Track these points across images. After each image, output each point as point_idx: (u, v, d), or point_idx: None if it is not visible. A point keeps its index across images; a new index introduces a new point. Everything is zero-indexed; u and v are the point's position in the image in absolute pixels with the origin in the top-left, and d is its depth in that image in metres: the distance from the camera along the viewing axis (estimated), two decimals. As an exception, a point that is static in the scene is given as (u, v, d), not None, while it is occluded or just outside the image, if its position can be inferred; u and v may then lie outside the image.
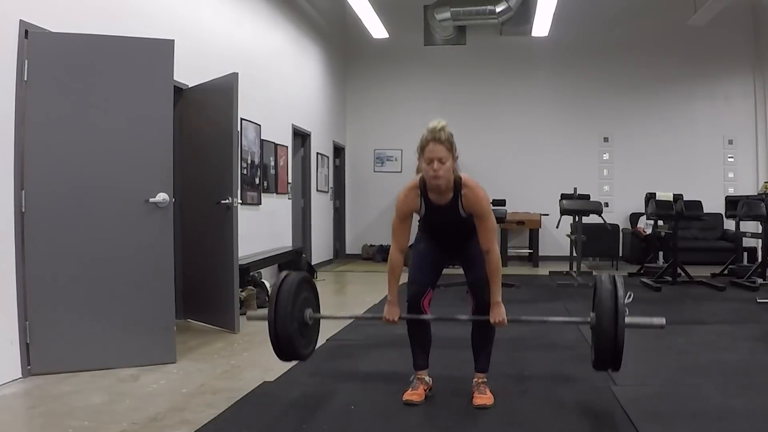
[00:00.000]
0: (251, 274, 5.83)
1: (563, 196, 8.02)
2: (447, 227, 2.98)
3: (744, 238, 8.30)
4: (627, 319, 2.66)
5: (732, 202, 7.77)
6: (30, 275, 3.40)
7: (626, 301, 2.73)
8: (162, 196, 3.70)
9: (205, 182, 4.82)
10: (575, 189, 8.31)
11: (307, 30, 8.80)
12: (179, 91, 4.88)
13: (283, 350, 2.93)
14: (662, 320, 2.80)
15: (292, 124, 8.11)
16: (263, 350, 4.10)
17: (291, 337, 2.89)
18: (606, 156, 10.42)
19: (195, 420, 2.74)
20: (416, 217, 3.01)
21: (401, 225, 2.93)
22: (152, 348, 3.68)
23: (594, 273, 8.41)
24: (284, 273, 3.05)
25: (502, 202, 7.69)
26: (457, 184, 2.84)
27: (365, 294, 6.32)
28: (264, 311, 2.93)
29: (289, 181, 7.94)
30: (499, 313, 2.87)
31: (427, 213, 2.93)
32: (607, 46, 10.24)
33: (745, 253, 8.94)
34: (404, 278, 2.99)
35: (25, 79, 3.40)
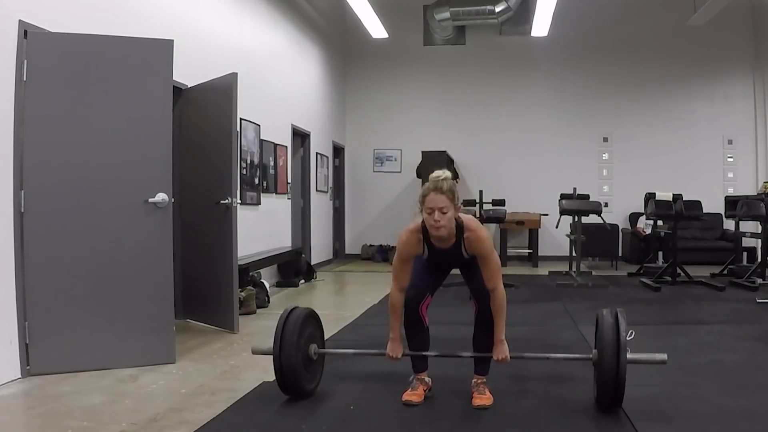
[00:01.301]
0: (250, 274, 5.83)
1: (563, 196, 8.02)
2: (451, 263, 3.03)
3: (743, 238, 8.31)
4: (629, 356, 2.71)
5: (731, 202, 7.78)
6: (29, 275, 3.40)
7: (628, 338, 2.74)
8: (161, 197, 3.69)
9: (205, 182, 4.82)
10: (575, 189, 8.31)
11: (306, 30, 8.80)
12: (179, 91, 4.88)
13: (287, 384, 2.95)
14: (664, 356, 2.83)
15: (292, 124, 8.11)
16: (263, 350, 4.10)
17: (295, 371, 2.91)
18: (605, 156, 10.42)
19: (194, 420, 2.74)
20: None
21: (402, 266, 2.92)
22: (151, 348, 3.68)
23: (593, 273, 8.43)
24: (290, 307, 3.08)
25: (502, 202, 7.68)
26: (459, 228, 2.83)
27: (365, 294, 6.32)
28: (269, 345, 2.96)
29: (289, 181, 7.93)
30: (502, 351, 2.92)
31: (430, 255, 2.94)
32: (607, 46, 10.23)
33: (745, 253, 8.95)
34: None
35: (24, 79, 3.39)
